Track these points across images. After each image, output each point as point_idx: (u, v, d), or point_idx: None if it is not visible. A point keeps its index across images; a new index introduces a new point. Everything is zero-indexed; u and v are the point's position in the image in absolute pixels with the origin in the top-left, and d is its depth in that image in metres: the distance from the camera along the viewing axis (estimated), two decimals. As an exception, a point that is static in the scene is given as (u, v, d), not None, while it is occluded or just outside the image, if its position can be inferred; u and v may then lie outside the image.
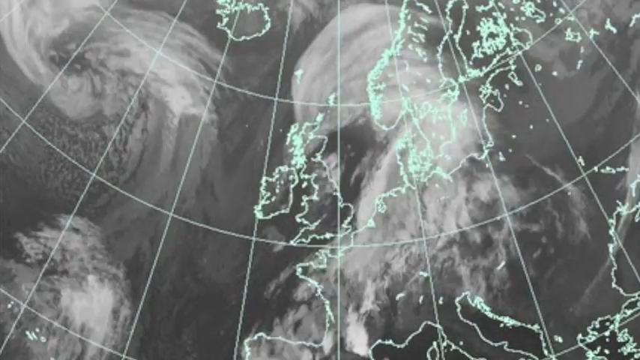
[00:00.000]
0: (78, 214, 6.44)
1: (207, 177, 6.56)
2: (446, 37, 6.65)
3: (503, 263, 6.39)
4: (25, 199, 6.46)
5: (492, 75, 6.60)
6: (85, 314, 6.35)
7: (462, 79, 6.60)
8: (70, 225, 6.42)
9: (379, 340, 6.32)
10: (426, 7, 6.68)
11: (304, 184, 6.51)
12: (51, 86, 6.61)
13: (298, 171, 6.52)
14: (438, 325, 6.30)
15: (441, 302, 6.33)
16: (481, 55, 6.62)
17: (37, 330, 6.29)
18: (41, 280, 6.35)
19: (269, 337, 6.33)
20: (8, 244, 6.39)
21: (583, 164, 6.43)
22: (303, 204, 6.49)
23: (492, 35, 6.64)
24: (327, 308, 6.36)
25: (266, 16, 6.72)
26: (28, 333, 6.28)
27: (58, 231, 6.42)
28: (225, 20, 6.73)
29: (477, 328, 6.29)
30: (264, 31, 6.71)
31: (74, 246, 6.42)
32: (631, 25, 6.60)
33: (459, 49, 6.64)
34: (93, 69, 6.65)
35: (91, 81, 6.63)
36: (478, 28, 6.66)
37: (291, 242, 6.44)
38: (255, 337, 6.33)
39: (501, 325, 6.30)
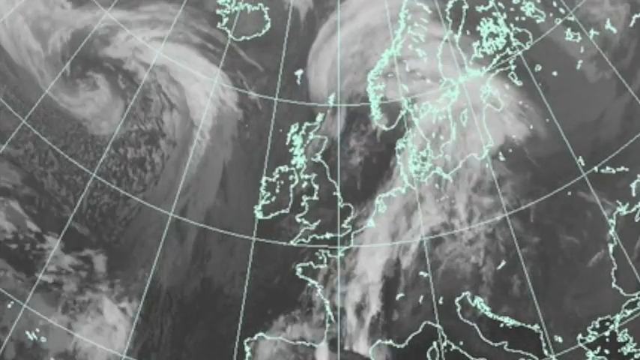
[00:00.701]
0: (98, 228, 6.46)
1: (224, 180, 6.57)
2: (446, 37, 6.65)
3: (503, 263, 6.39)
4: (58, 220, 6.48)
5: (492, 75, 6.60)
6: (89, 319, 6.36)
7: (462, 79, 6.60)
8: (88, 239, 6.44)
9: (379, 340, 6.32)
10: (425, 7, 6.68)
11: (304, 184, 6.51)
12: (52, 87, 6.62)
13: (298, 171, 6.52)
14: (438, 325, 6.30)
15: (441, 302, 6.33)
16: (481, 55, 6.62)
17: (37, 330, 6.29)
18: (53, 290, 6.36)
19: (269, 338, 6.33)
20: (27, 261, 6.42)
21: (583, 164, 6.43)
22: (303, 204, 6.49)
23: (492, 35, 6.64)
24: (327, 308, 6.36)
25: (266, 16, 6.72)
26: (27, 333, 6.28)
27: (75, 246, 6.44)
28: (225, 20, 6.73)
29: (476, 328, 6.29)
30: (264, 31, 6.71)
31: (92, 260, 6.44)
32: (631, 24, 6.61)
33: (459, 49, 6.64)
34: (105, 73, 6.67)
35: (105, 89, 6.65)
36: (478, 28, 6.66)
37: (291, 242, 6.44)
38: (255, 337, 6.33)
39: (501, 325, 6.30)
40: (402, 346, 6.30)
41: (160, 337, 6.33)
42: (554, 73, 6.58)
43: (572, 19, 6.62)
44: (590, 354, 6.24)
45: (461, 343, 6.27)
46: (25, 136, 6.53)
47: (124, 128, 6.58)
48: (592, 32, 6.60)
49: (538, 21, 6.64)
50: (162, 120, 6.62)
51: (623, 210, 6.35)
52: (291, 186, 6.50)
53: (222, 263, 6.45)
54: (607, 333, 6.26)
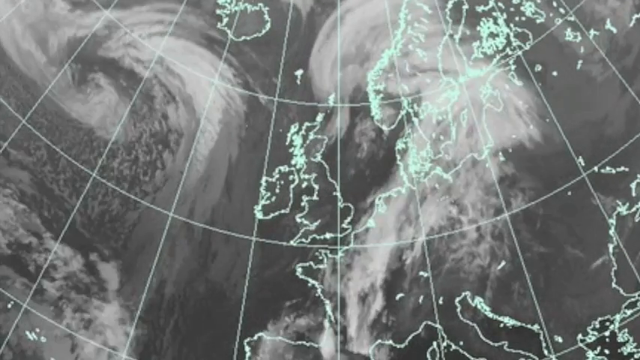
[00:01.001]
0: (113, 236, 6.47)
1: (226, 180, 6.57)
2: (446, 37, 6.65)
3: (503, 263, 6.39)
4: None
5: (492, 75, 6.60)
6: (92, 316, 6.37)
7: (462, 79, 6.60)
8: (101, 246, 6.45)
9: (379, 340, 6.32)
10: (425, 7, 6.68)
11: (304, 184, 6.51)
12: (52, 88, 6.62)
13: (298, 171, 6.52)
14: (438, 325, 6.30)
15: (441, 302, 6.34)
16: (481, 55, 6.62)
17: (37, 330, 6.30)
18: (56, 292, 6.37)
19: (269, 338, 6.33)
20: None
21: (583, 164, 6.43)
22: (303, 204, 6.49)
23: (492, 35, 6.64)
24: (327, 308, 6.36)
25: (266, 16, 6.72)
26: (27, 333, 6.29)
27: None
28: (225, 20, 6.73)
29: (477, 328, 6.29)
30: (264, 31, 6.71)
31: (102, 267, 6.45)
32: (631, 25, 6.61)
33: (459, 49, 6.64)
34: (108, 75, 6.67)
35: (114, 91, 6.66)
36: (478, 28, 6.66)
37: (291, 242, 6.44)
38: (256, 337, 6.33)
39: (501, 325, 6.30)
40: (402, 346, 6.30)
41: (161, 338, 6.33)
42: (554, 73, 6.58)
43: (572, 19, 6.62)
44: (590, 354, 6.24)
45: (461, 343, 6.27)
46: (38, 143, 6.54)
47: (131, 131, 6.58)
48: (592, 32, 6.60)
49: (538, 21, 6.64)
50: (167, 123, 6.62)
51: (623, 210, 6.35)
52: (291, 186, 6.51)
53: (222, 263, 6.45)
54: (607, 333, 6.26)
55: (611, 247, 6.32)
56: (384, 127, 6.58)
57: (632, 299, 6.27)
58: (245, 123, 6.62)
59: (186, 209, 6.49)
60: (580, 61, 6.57)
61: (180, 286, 6.40)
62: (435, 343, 6.28)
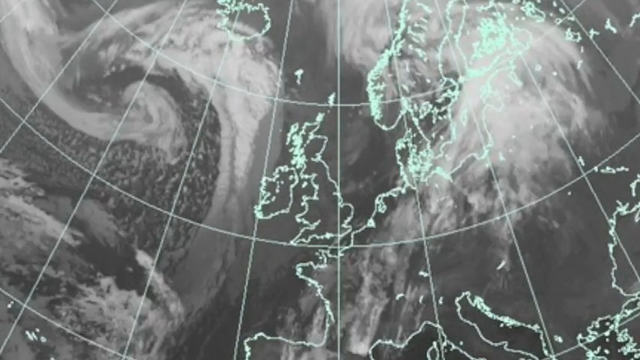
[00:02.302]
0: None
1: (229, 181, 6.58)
2: (446, 37, 6.65)
3: (503, 263, 6.39)
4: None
5: (492, 75, 6.59)
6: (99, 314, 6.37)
7: (462, 79, 6.60)
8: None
9: (379, 340, 6.32)
10: (425, 7, 6.68)
11: (304, 184, 6.51)
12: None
13: (298, 171, 6.52)
14: (438, 325, 6.30)
15: (441, 302, 6.34)
16: (481, 55, 6.62)
17: (37, 330, 6.30)
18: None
19: (269, 338, 6.33)
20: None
21: (583, 164, 6.43)
22: (303, 204, 6.49)
23: (492, 35, 6.64)
24: (327, 308, 6.36)
25: (266, 16, 6.72)
26: (27, 333, 6.29)
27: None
28: (225, 20, 6.73)
29: (477, 328, 6.29)
30: (264, 31, 6.71)
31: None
32: (631, 25, 6.61)
33: (459, 49, 6.64)
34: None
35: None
36: (478, 28, 6.66)
37: (291, 242, 6.44)
38: (255, 337, 6.33)
39: (501, 325, 6.30)
40: (402, 346, 6.30)
41: (168, 340, 6.33)
42: (554, 73, 6.58)
43: (572, 19, 6.62)
44: (590, 354, 6.24)
45: (461, 343, 6.27)
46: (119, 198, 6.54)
47: (174, 155, 6.59)
48: (592, 32, 6.60)
49: (538, 21, 6.64)
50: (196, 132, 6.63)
51: (623, 210, 6.35)
52: (291, 186, 6.51)
53: (223, 264, 6.46)
54: (607, 333, 6.26)
55: (611, 247, 6.32)
56: (384, 127, 6.58)
57: (632, 299, 6.27)
58: (245, 124, 6.63)
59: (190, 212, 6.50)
60: (580, 62, 6.57)
61: (202, 292, 6.40)
62: (435, 343, 6.28)
